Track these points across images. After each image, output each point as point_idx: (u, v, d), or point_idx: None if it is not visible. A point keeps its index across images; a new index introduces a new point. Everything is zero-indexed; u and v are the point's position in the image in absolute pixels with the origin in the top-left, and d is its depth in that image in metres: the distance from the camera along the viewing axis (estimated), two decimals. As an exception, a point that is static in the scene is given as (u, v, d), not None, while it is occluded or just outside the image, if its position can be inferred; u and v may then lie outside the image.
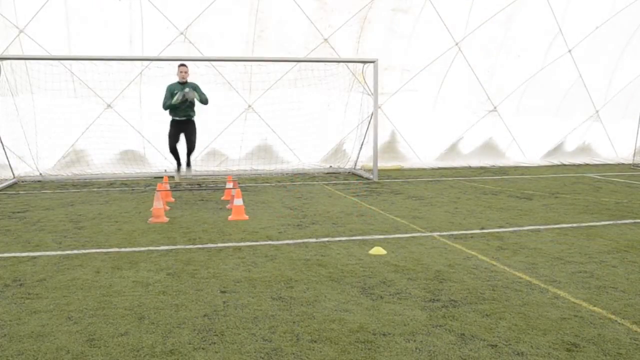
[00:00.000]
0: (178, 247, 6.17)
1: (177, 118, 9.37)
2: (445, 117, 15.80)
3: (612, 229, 7.04)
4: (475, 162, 16.29)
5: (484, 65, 15.63)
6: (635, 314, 3.98)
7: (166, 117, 14.01)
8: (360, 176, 13.79)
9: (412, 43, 14.90)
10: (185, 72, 9.33)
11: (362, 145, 14.48)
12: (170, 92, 9.24)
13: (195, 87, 9.37)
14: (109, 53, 12.85)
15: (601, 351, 3.36)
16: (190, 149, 9.59)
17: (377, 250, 5.83)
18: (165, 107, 9.33)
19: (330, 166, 15.28)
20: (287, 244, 6.28)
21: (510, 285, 4.69)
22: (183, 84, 9.30)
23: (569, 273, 5.04)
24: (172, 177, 10.40)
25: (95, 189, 11.56)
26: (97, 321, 3.87)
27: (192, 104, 9.37)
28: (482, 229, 7.12)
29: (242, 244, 6.33)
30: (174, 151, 9.62)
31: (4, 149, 12.49)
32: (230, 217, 7.95)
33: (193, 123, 9.50)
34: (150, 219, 7.78)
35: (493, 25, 15.12)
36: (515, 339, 3.54)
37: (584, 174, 14.16)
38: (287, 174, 14.38)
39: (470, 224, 7.43)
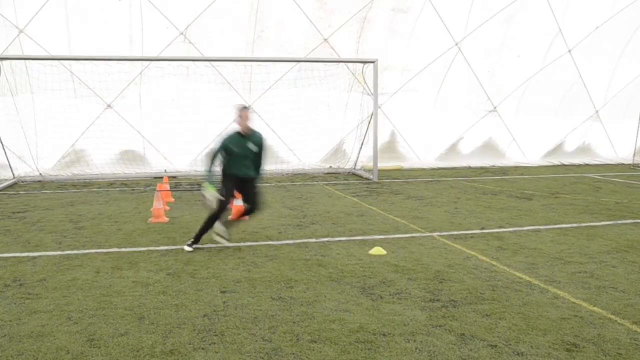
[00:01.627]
0: (178, 247, 6.17)
1: (234, 174, 6.27)
2: (445, 117, 15.81)
3: (612, 229, 7.03)
4: (475, 162, 16.29)
5: (484, 65, 15.64)
6: (635, 314, 3.98)
7: (164, 118, 13.96)
8: (360, 176, 13.79)
9: (412, 43, 14.90)
10: (248, 118, 6.19)
11: (362, 145, 14.48)
12: (224, 147, 6.17)
13: (260, 141, 6.30)
14: (109, 53, 12.86)
15: (601, 351, 3.36)
16: (253, 209, 6.47)
17: (377, 250, 5.83)
18: (208, 163, 6.27)
19: (330, 166, 15.28)
20: (287, 244, 6.28)
21: (510, 285, 4.69)
22: (246, 136, 6.19)
23: (569, 273, 5.03)
24: (221, 236, 6.42)
25: (95, 189, 11.55)
26: (97, 321, 3.86)
27: (252, 158, 6.29)
28: (482, 229, 7.12)
29: (242, 244, 6.33)
30: (221, 211, 6.26)
31: (4, 149, 12.49)
32: (230, 217, 7.93)
33: (254, 183, 6.40)
34: (150, 219, 7.79)
35: (493, 25, 15.12)
36: (515, 339, 3.54)
37: (584, 174, 14.16)
38: (287, 174, 14.37)
39: (470, 224, 7.43)
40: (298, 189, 11.50)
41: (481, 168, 15.84)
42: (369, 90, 13.73)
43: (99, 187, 11.88)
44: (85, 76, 13.28)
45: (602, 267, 5.24)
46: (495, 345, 3.44)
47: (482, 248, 6.03)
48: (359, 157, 14.74)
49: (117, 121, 13.77)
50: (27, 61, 12.89)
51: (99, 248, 6.12)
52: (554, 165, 16.65)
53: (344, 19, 14.25)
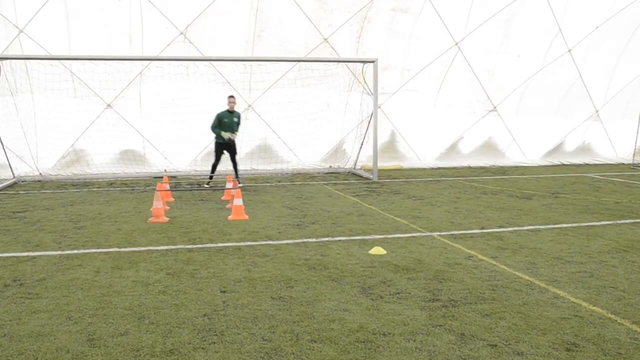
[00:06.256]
0: (178, 247, 6.17)
1: (221, 142, 11.55)
2: (445, 117, 15.81)
3: (612, 229, 7.03)
4: (475, 162, 16.29)
5: (484, 65, 15.64)
6: (635, 313, 3.98)
7: (164, 118, 14.00)
8: (360, 176, 13.79)
9: (412, 43, 14.90)
10: (234, 103, 11.47)
11: (362, 145, 14.47)
12: (219, 119, 11.33)
13: (238, 117, 11.64)
14: (109, 53, 12.85)
15: (601, 351, 3.36)
16: (234, 162, 11.85)
17: (377, 250, 5.83)
18: (215, 132, 11.48)
19: (330, 166, 15.28)
20: (287, 244, 6.28)
21: (510, 285, 4.69)
22: (231, 112, 11.43)
23: (569, 273, 5.04)
24: (207, 182, 11.93)
25: (95, 189, 11.55)
26: (97, 321, 3.87)
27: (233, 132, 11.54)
28: (482, 228, 7.12)
29: (242, 243, 6.33)
30: (214, 168, 11.85)
31: (4, 149, 12.49)
32: (230, 217, 7.95)
33: (234, 144, 11.73)
34: (150, 219, 7.79)
35: (493, 25, 15.12)
36: (515, 339, 3.54)
37: (584, 174, 14.16)
38: (287, 174, 14.37)
39: (470, 224, 7.43)
40: (298, 188, 11.50)
41: (481, 168, 15.84)
42: (369, 90, 13.73)
43: (99, 187, 11.89)
44: (85, 76, 13.27)
45: (602, 267, 5.24)
46: (495, 345, 3.45)
47: (482, 248, 6.03)
48: (358, 156, 14.74)
49: (117, 121, 13.77)
50: (27, 61, 12.88)
51: (99, 248, 6.13)
52: (554, 165, 16.65)
53: (344, 19, 14.25)
